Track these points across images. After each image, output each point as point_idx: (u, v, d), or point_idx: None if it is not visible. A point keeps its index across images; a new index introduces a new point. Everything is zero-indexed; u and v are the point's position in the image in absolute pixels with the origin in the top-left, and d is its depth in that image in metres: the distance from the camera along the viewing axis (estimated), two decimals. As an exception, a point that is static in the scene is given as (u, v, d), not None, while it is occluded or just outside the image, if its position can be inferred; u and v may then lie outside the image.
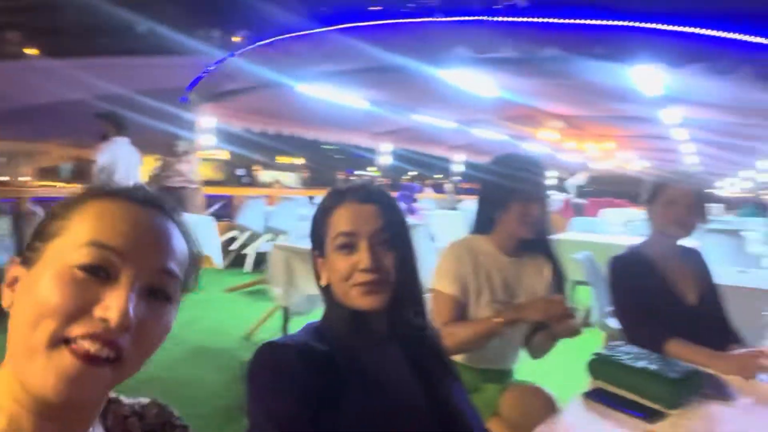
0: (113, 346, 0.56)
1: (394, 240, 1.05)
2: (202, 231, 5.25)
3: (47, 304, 0.56)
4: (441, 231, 6.87)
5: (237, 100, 6.57)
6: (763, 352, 1.55)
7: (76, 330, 0.55)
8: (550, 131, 8.43)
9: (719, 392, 1.43)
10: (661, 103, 5.77)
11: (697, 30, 3.17)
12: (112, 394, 0.69)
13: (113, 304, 0.56)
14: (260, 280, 4.97)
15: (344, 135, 9.04)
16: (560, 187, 14.10)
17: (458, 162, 12.79)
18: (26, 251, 0.62)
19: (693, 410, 1.33)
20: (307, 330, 1.07)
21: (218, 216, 7.17)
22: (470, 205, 10.16)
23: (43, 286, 0.57)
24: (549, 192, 1.79)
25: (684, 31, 3.15)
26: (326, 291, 1.09)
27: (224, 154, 28.11)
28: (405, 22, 4.27)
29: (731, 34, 3.18)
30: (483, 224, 1.83)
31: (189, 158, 6.10)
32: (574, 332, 1.54)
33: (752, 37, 3.12)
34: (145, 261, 0.61)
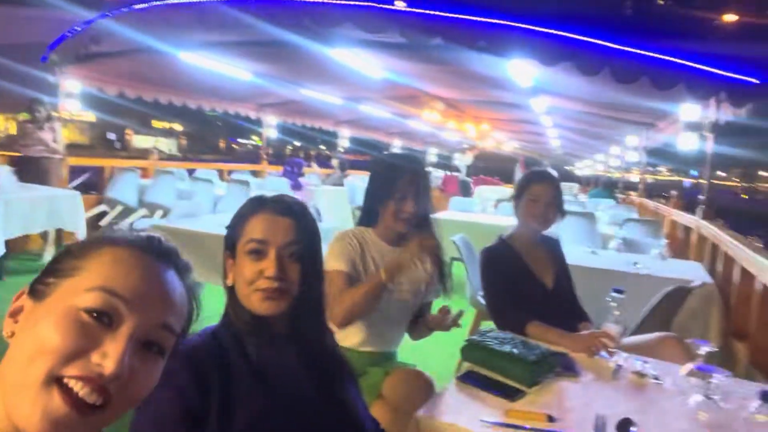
0: (102, 392, 0.58)
1: (302, 253, 1.11)
2: (65, 206, 4.83)
3: (48, 342, 0.57)
4: (327, 207, 6.93)
5: (108, 63, 6.03)
6: (605, 332, 1.81)
7: (70, 370, 0.57)
8: (432, 111, 8.75)
9: (568, 369, 1.66)
10: (532, 93, 6.24)
11: (566, 33, 3.48)
12: None
13: (111, 353, 0.58)
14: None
15: (229, 105, 8.69)
16: (442, 165, 14.72)
17: (344, 137, 12.85)
18: (37, 284, 0.63)
19: (547, 387, 1.54)
20: (202, 335, 1.09)
21: (86, 188, 6.61)
22: (357, 181, 10.30)
23: (47, 324, 0.58)
24: (425, 183, 1.90)
25: (556, 33, 3.44)
26: (230, 291, 1.13)
27: (89, 116, 25.63)
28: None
29: (595, 39, 3.54)
30: (367, 217, 1.93)
31: (52, 125, 5.54)
32: (446, 329, 1.73)
33: (612, 43, 3.49)
34: (149, 314, 0.62)
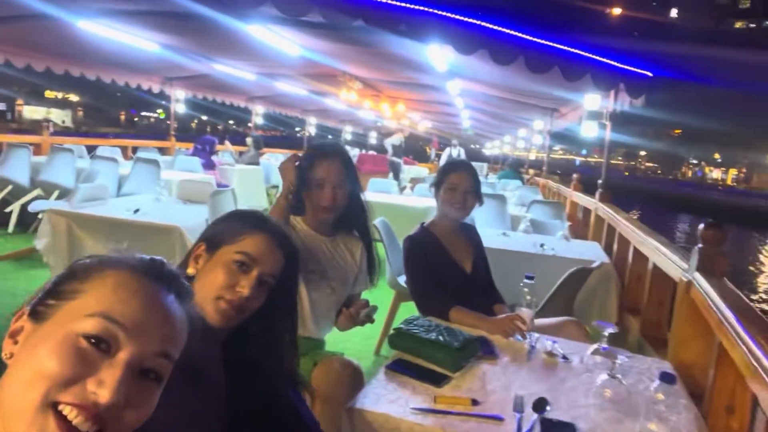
0: (97, 420, 0.57)
1: (276, 288, 1.13)
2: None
3: (46, 368, 0.57)
4: (242, 187, 6.74)
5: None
6: (518, 316, 1.94)
7: (66, 397, 0.56)
8: (350, 91, 8.71)
9: (488, 353, 1.77)
10: (448, 76, 6.38)
11: (483, 23, 3.58)
12: None
13: (107, 381, 0.58)
14: (32, 249, 4.37)
15: (132, 77, 8.13)
16: (359, 143, 14.71)
17: (257, 113, 12.49)
18: (38, 306, 0.62)
19: (470, 371, 1.63)
20: None
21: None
22: (271, 160, 10.08)
23: (46, 348, 0.58)
24: (348, 172, 1.91)
25: (473, 22, 3.54)
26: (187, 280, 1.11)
27: (-32, 82, 22.98)
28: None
29: (509, 30, 3.68)
30: (297, 207, 1.93)
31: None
32: (360, 323, 1.79)
33: (525, 35, 3.65)
34: (148, 343, 0.62)
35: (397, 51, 5.21)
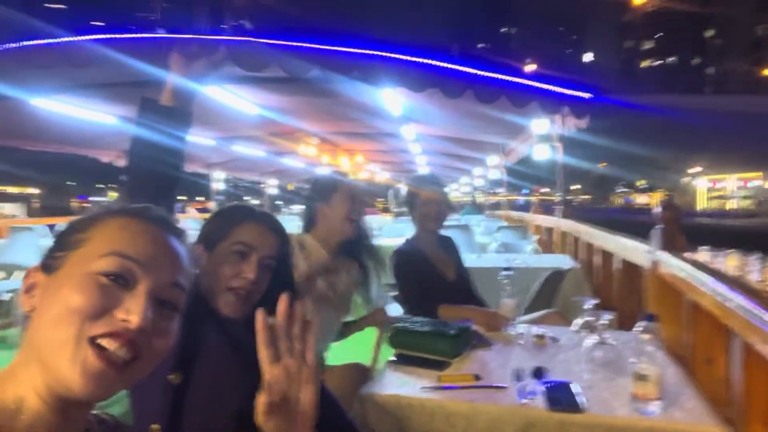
0: (131, 346, 0.62)
1: (276, 267, 1.20)
2: None
3: (73, 304, 0.61)
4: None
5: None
6: (502, 315, 2.05)
7: (98, 329, 0.61)
8: (308, 146, 8.92)
9: (481, 341, 1.86)
10: (403, 121, 6.66)
11: (431, 61, 3.84)
12: None
13: (134, 308, 0.63)
14: (5, 324, 4.22)
15: (90, 152, 8.13)
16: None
17: (217, 180, 12.54)
18: (47, 260, 0.67)
19: (467, 357, 1.71)
20: None
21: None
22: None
23: (69, 289, 0.62)
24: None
25: (423, 62, 3.79)
26: (195, 278, 1.17)
27: None
28: (162, 37, 4.16)
29: (456, 66, 3.95)
30: (308, 224, 2.05)
31: None
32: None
33: (472, 69, 3.92)
34: (161, 274, 0.67)
35: (353, 98, 5.45)
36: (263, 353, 0.74)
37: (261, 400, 0.73)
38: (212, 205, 10.03)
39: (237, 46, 3.54)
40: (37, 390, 0.61)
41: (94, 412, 0.72)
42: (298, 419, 0.74)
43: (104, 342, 0.60)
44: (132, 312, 0.62)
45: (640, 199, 68.25)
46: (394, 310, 3.05)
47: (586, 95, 4.60)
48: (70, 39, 4.25)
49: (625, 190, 71.80)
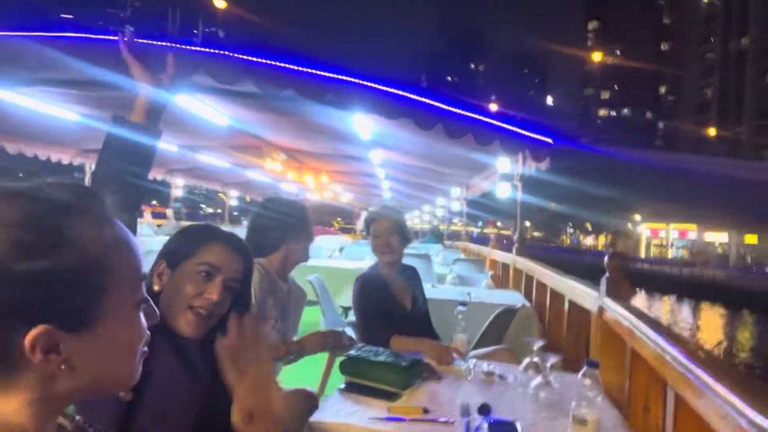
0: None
1: (238, 290, 1.22)
2: None
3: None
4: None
5: None
6: (455, 347, 2.10)
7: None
8: (275, 162, 8.89)
9: (433, 374, 1.90)
10: (371, 146, 6.74)
11: (404, 93, 3.94)
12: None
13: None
14: None
15: (47, 149, 7.87)
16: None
17: (177, 186, 12.32)
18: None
19: (417, 389, 1.75)
20: None
21: None
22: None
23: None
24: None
25: (395, 92, 3.88)
26: (153, 296, 1.16)
27: None
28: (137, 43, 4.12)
29: (428, 99, 4.06)
30: (263, 248, 2.03)
31: None
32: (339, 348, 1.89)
33: (442, 104, 4.04)
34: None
35: (323, 121, 5.50)
36: (231, 375, 0.78)
37: (237, 416, 0.82)
38: (169, 212, 9.81)
39: (212, 57, 3.55)
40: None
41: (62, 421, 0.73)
42: (273, 418, 0.84)
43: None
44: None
45: (587, 241, 71.13)
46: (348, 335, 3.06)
47: (548, 140, 4.80)
48: (27, 34, 4.17)
49: (573, 231, 74.87)
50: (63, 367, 0.58)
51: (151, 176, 8.97)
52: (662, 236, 56.89)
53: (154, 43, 4.04)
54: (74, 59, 4.06)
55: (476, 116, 4.46)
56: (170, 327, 1.15)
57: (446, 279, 4.84)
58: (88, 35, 4.17)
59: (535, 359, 1.85)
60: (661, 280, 30.78)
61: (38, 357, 0.57)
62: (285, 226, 2.03)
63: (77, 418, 0.68)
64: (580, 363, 3.19)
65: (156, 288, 1.20)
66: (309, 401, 1.78)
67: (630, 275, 2.36)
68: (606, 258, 2.35)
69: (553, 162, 4.87)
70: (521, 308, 3.24)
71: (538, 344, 1.85)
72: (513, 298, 3.97)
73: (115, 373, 0.64)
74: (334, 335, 1.89)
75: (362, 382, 1.73)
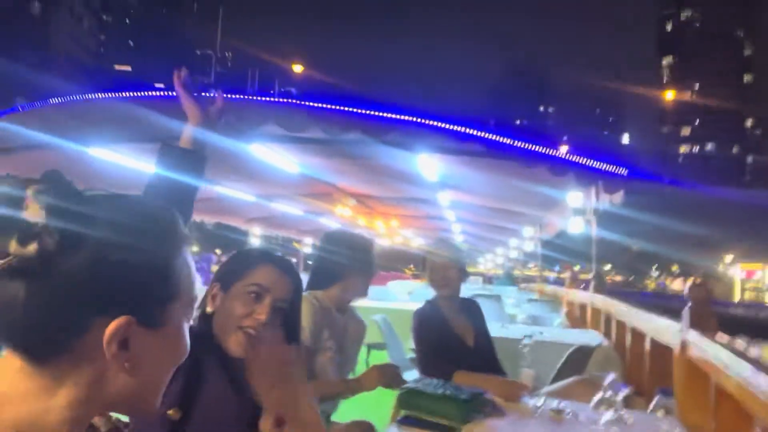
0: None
1: (287, 311, 1.25)
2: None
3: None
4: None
5: (9, 159, 5.82)
6: (522, 384, 2.00)
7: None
8: (345, 207, 9.09)
9: (495, 410, 1.81)
10: (438, 187, 6.75)
11: (468, 130, 3.95)
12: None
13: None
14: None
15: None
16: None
17: (255, 235, 12.82)
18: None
19: (479, 424, 1.67)
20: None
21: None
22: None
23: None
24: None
25: (458, 130, 3.90)
26: (206, 318, 1.21)
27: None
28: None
29: (495, 136, 4.04)
30: (319, 281, 2.07)
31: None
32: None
33: (514, 141, 4.00)
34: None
35: (389, 162, 5.60)
36: (258, 383, 0.80)
37: (266, 423, 0.85)
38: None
39: (280, 107, 3.75)
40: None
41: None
42: (306, 427, 0.86)
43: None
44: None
45: (675, 285, 66.22)
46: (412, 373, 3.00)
47: (623, 170, 4.61)
48: (114, 96, 4.59)
49: (658, 274, 70.17)
50: (127, 365, 0.58)
51: (233, 224, 9.41)
52: (758, 278, 51.90)
53: (230, 96, 4.34)
54: (161, 116, 4.44)
55: (549, 151, 4.39)
56: (221, 348, 1.19)
57: (518, 319, 4.66)
58: (172, 93, 4.56)
59: (607, 394, 1.73)
60: (759, 325, 28.19)
61: (113, 349, 0.56)
62: (344, 258, 2.05)
63: (113, 417, 0.70)
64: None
65: (209, 309, 1.24)
66: (371, 429, 1.75)
67: (723, 321, 2.18)
68: (686, 288, 2.19)
69: (629, 196, 4.66)
70: (598, 346, 3.05)
71: (610, 378, 1.72)
72: (590, 337, 3.75)
73: (156, 383, 0.63)
74: (390, 370, 1.86)
75: (420, 415, 1.68)
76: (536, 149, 4.31)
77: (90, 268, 0.55)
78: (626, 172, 4.66)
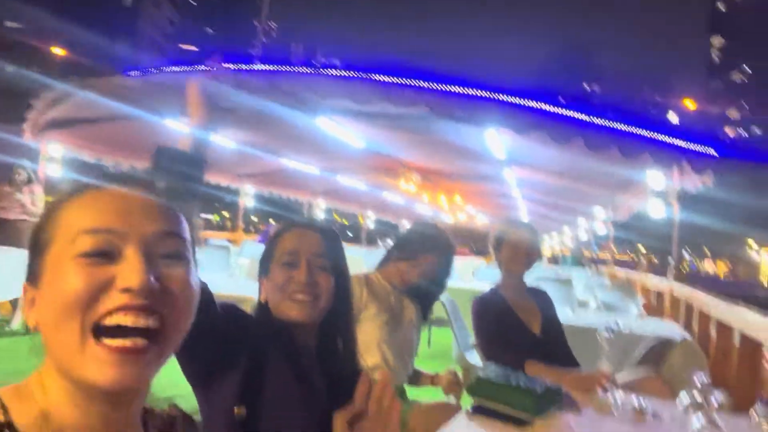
0: (147, 311, 0.56)
1: (330, 266, 1.19)
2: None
3: (67, 297, 0.55)
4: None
5: (88, 129, 6.12)
6: (602, 373, 1.87)
7: (102, 308, 0.55)
8: (409, 183, 9.01)
9: (570, 404, 1.70)
10: (505, 164, 6.53)
11: (537, 104, 3.74)
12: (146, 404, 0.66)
13: (128, 272, 0.56)
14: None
15: (207, 174, 8.78)
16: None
17: (319, 208, 13.00)
18: (29, 274, 0.62)
19: (553, 418, 1.57)
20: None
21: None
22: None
23: (56, 287, 0.56)
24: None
25: (527, 104, 3.70)
26: (263, 308, 1.18)
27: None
28: (284, 71, 4.42)
29: (564, 110, 3.81)
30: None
31: (31, 188, 5.51)
32: (445, 392, 1.96)
33: (582, 114, 3.77)
34: (144, 230, 0.59)
35: (455, 139, 5.45)
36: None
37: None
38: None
39: (350, 80, 3.69)
40: (69, 398, 0.58)
41: (147, 406, 0.67)
42: None
43: (116, 319, 0.55)
44: (128, 277, 0.56)
45: (706, 266, 61.02)
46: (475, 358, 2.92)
47: (710, 150, 4.25)
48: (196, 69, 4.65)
49: (688, 255, 65.13)
50: (37, 326, 0.58)
51: (292, 197, 9.58)
52: None
53: (295, 69, 4.32)
54: (236, 91, 4.50)
55: (621, 126, 4.10)
56: (283, 336, 1.15)
57: (589, 306, 4.45)
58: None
59: (697, 396, 1.58)
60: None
61: (26, 313, 0.60)
62: (407, 251, 2.11)
63: (173, 405, 0.67)
64: (751, 406, 2.73)
65: (262, 298, 1.23)
66: (452, 415, 1.70)
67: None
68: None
69: (720, 177, 4.30)
70: (682, 342, 2.85)
71: (702, 378, 1.57)
72: (669, 329, 3.52)
73: (63, 344, 0.56)
74: (458, 383, 1.87)
75: (491, 405, 1.60)
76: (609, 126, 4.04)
77: None
78: (714, 151, 4.30)
